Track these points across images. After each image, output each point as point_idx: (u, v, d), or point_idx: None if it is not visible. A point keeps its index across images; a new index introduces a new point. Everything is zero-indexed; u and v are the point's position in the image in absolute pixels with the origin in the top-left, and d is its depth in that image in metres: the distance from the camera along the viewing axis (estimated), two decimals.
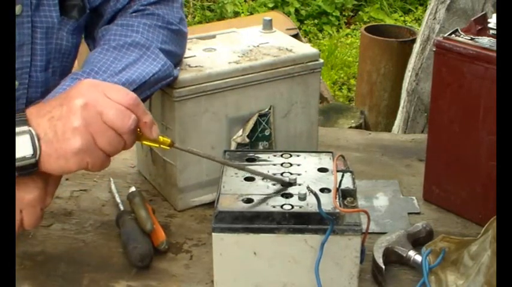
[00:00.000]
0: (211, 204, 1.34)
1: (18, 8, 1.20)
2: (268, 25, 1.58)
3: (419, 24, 4.44)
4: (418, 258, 1.23)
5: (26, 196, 1.09)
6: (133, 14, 1.34)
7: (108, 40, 1.29)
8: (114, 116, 1.06)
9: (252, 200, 1.14)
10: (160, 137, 1.14)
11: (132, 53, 1.27)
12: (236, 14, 5.58)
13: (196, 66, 1.39)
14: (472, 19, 1.36)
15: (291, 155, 1.27)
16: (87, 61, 1.26)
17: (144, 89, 1.27)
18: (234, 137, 1.43)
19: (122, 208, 1.40)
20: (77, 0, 1.30)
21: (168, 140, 1.15)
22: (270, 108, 1.45)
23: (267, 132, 1.47)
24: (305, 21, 5.67)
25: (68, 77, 1.22)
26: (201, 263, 1.28)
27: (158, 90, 1.34)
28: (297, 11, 5.69)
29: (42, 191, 1.11)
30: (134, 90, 1.23)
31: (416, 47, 2.85)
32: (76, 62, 1.36)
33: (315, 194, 1.07)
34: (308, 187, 1.10)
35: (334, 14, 5.75)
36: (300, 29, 5.07)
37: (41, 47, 1.26)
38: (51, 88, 1.21)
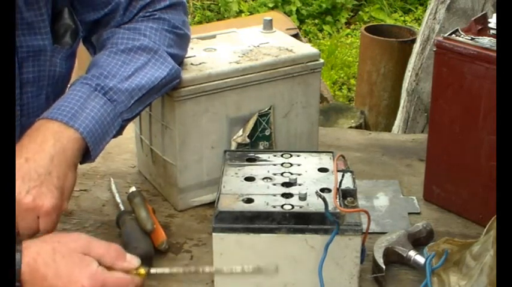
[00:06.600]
0: (211, 204, 1.33)
1: None
2: (268, 25, 1.58)
3: (419, 24, 4.44)
4: (419, 258, 1.23)
5: (44, 204, 1.09)
6: (140, 18, 1.33)
7: (115, 43, 1.28)
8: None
9: (252, 200, 1.14)
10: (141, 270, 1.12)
11: (141, 56, 1.27)
12: (239, 13, 5.58)
13: (196, 66, 1.39)
14: (472, 19, 1.36)
15: (291, 155, 1.27)
16: (95, 64, 1.24)
17: (152, 93, 1.27)
18: (234, 137, 1.43)
19: (122, 208, 1.40)
20: (68, 21, 1.28)
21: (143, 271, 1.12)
22: (270, 108, 1.45)
23: (267, 133, 1.47)
24: (305, 21, 5.67)
25: (78, 82, 1.21)
26: (201, 263, 1.27)
27: None
28: (297, 10, 5.68)
29: (58, 200, 1.11)
30: (143, 95, 1.24)
31: (416, 47, 2.84)
32: (76, 62, 1.36)
33: (324, 199, 1.07)
34: (317, 192, 1.09)
35: (334, 14, 5.74)
36: (300, 28, 5.06)
37: (33, 75, 1.25)
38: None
